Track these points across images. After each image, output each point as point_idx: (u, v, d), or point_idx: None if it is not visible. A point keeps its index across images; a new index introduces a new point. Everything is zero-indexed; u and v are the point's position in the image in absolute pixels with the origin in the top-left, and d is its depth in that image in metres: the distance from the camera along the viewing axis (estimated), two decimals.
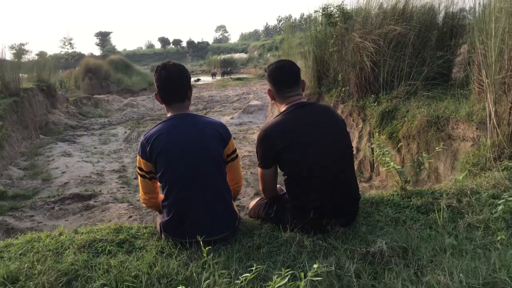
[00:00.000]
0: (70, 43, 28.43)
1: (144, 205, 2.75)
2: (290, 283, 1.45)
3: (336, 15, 7.65)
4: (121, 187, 7.41)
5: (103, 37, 64.85)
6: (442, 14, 6.77)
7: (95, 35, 64.22)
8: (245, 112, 13.53)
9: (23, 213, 6.11)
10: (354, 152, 7.21)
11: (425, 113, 5.35)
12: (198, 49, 66.14)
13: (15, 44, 17.86)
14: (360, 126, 6.95)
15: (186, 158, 2.42)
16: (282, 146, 2.54)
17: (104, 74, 24.04)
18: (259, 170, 2.72)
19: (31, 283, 1.98)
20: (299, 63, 9.46)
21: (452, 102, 5.27)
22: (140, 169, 2.55)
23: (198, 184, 2.43)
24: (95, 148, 10.73)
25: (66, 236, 2.50)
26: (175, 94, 2.55)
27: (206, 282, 1.60)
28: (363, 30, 6.94)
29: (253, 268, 1.57)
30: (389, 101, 6.25)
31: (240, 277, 1.59)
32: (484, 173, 3.31)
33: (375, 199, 3.03)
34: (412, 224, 2.56)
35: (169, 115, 2.57)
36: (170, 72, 2.51)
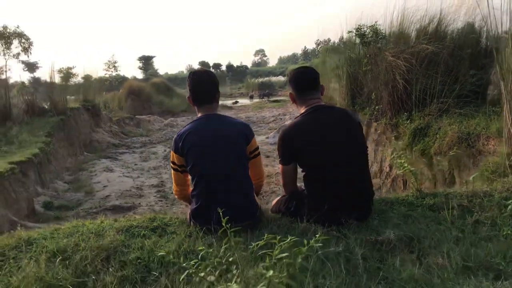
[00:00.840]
0: (114, 66, 29.74)
1: (176, 197, 3.07)
2: (295, 249, 1.64)
3: (369, 35, 7.84)
4: (159, 200, 7.75)
5: (146, 61, 67.11)
6: (477, 34, 6.85)
7: (138, 59, 66.62)
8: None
9: (67, 223, 6.52)
10: (387, 169, 7.29)
11: (456, 129, 5.42)
12: (237, 73, 67.46)
13: (63, 68, 18.96)
14: (393, 143, 7.04)
15: (212, 154, 2.71)
16: (299, 145, 2.78)
17: (146, 96, 24.96)
18: (280, 166, 2.97)
19: (77, 256, 2.30)
20: (333, 84, 9.67)
21: (484, 119, 5.32)
22: (173, 163, 2.86)
23: (222, 176, 2.71)
24: (136, 164, 11.20)
25: (106, 223, 2.83)
26: (204, 96, 2.86)
27: (225, 248, 1.82)
28: (396, 49, 7.10)
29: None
30: (422, 119, 6.33)
31: (252, 243, 1.83)
32: (501, 179, 3.40)
33: (390, 199, 3.19)
34: (422, 220, 2.71)
35: (199, 115, 2.88)
36: (201, 77, 2.85)
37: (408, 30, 7.41)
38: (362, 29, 7.94)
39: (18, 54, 13.46)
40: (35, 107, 11.74)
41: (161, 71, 65.17)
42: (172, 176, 2.97)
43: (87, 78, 17.41)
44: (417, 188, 3.32)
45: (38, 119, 11.18)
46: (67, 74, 18.30)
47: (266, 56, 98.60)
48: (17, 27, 13.23)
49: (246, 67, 74.00)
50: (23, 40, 13.28)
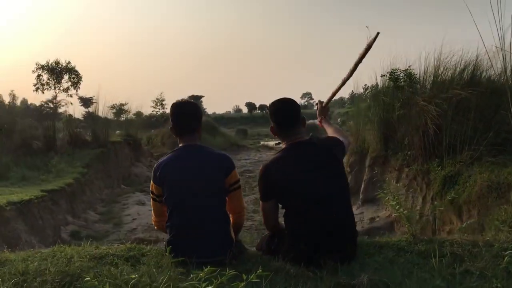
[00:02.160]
0: (161, 104, 30.68)
1: (155, 227, 3.04)
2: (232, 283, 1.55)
3: (403, 80, 7.72)
4: None
5: (195, 101, 68.98)
6: None
7: (187, 99, 68.66)
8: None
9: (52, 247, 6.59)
10: (417, 217, 6.98)
11: (486, 178, 5.16)
12: None
13: (115, 104, 19.83)
14: (424, 190, 6.78)
15: (187, 185, 2.68)
16: (279, 181, 2.70)
17: None
18: (260, 203, 2.88)
19: (38, 279, 2.31)
20: (367, 126, 9.51)
21: None
22: (152, 192, 2.85)
23: (196, 209, 2.66)
24: None
25: (86, 249, 2.83)
26: (185, 127, 2.86)
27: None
28: (428, 94, 6.95)
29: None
30: (453, 166, 6.09)
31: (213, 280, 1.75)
32: (508, 229, 3.15)
33: (380, 243, 3.01)
34: (408, 266, 2.53)
35: (180, 145, 2.86)
36: (182, 108, 2.86)
37: (442, 75, 7.25)
38: (395, 73, 7.82)
39: (68, 88, 14.21)
40: (78, 139, 12.24)
41: (209, 111, 66.75)
42: (152, 207, 2.95)
43: (138, 114, 18.11)
44: (412, 233, 3.13)
45: (80, 151, 11.60)
46: (119, 110, 19.08)
47: (313, 99, 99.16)
48: (68, 63, 14.00)
49: None
50: (72, 75, 14.04)
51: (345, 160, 11.66)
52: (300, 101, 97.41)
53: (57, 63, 14.41)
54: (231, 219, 2.94)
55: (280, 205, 2.84)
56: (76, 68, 14.58)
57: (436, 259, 2.58)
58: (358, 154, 9.73)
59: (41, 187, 7.74)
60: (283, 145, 2.91)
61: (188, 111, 2.89)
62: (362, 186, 9.12)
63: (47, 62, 14.35)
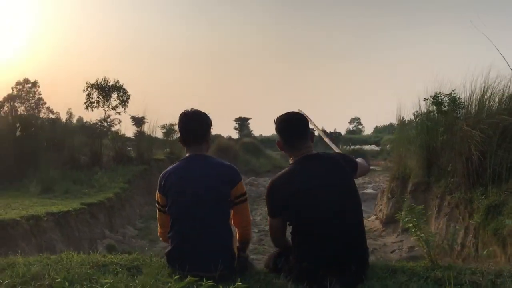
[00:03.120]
0: None
1: (161, 239, 2.99)
2: None
3: (447, 104, 7.45)
4: None
5: (242, 122, 69.57)
6: None
7: (234, 120, 69.33)
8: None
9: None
10: (458, 248, 6.61)
11: None
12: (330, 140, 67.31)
13: (166, 124, 20.35)
14: (467, 220, 6.43)
15: (190, 195, 2.62)
16: (287, 197, 2.61)
17: (234, 154, 25.68)
18: (268, 218, 2.78)
19: (34, 283, 2.34)
20: (410, 152, 9.20)
21: None
22: (157, 202, 2.82)
23: (198, 220, 2.59)
24: None
25: (92, 257, 2.83)
26: (192, 137, 2.82)
27: None
28: (473, 119, 6.66)
29: None
30: (497, 195, 5.75)
31: None
32: None
33: (394, 266, 2.82)
34: None
35: (186, 155, 2.82)
36: (189, 118, 2.82)
37: (489, 100, 6.94)
38: (439, 97, 7.56)
39: (116, 106, 14.71)
40: (123, 156, 12.59)
41: (256, 133, 66.84)
42: (157, 217, 2.91)
43: None
44: (431, 258, 2.92)
45: (123, 167, 11.91)
46: (169, 129, 19.54)
47: (361, 124, 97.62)
48: (117, 82, 14.57)
49: (339, 133, 73.73)
50: (121, 94, 14.53)
51: (386, 185, 11.32)
52: (348, 126, 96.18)
53: (106, 81, 14.96)
54: (237, 232, 2.87)
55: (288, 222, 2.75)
56: (124, 86, 15.12)
57: (450, 287, 2.38)
58: (400, 180, 9.41)
59: (82, 200, 7.96)
60: (290, 161, 2.82)
61: (195, 121, 2.85)
62: (403, 214, 8.77)
63: (97, 81, 14.94)
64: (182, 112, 2.88)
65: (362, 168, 2.92)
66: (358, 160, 2.92)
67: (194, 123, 2.84)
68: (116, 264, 2.78)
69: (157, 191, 2.82)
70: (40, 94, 47.86)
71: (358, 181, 18.45)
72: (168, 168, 2.84)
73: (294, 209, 2.61)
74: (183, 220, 2.66)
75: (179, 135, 2.95)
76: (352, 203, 2.63)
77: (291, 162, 2.80)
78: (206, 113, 2.91)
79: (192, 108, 2.90)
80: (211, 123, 2.97)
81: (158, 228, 2.97)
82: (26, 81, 46.65)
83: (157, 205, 2.87)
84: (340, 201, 2.57)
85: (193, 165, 2.76)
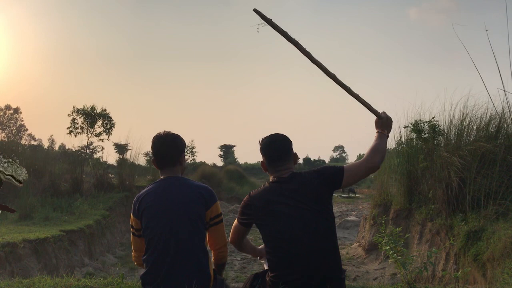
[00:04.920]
0: (192, 152, 31.08)
1: (135, 263, 2.94)
2: None
3: (427, 131, 7.57)
4: None
5: (227, 150, 69.66)
6: None
7: (219, 148, 69.37)
8: (340, 227, 13.23)
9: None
10: (439, 274, 6.62)
11: (511, 235, 4.90)
12: (313, 167, 67.62)
13: (149, 151, 20.26)
14: (447, 246, 6.46)
15: (164, 217, 2.60)
16: (260, 213, 2.63)
17: (218, 181, 25.56)
18: (235, 221, 2.84)
19: None
20: (391, 180, 9.27)
21: None
22: (132, 226, 2.77)
23: (172, 243, 2.56)
24: None
25: (65, 281, 2.77)
26: (165, 159, 2.80)
27: None
28: (452, 145, 6.78)
29: None
30: (477, 221, 5.82)
31: None
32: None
33: None
34: None
35: (160, 177, 2.81)
36: (162, 140, 2.81)
37: (468, 128, 7.09)
38: (419, 124, 7.68)
39: (100, 133, 14.55)
40: (104, 182, 12.44)
41: (241, 160, 66.87)
42: (131, 241, 2.88)
43: None
44: (407, 281, 2.92)
45: (104, 194, 11.75)
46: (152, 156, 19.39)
47: (345, 152, 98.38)
48: (104, 110, 14.46)
49: (323, 161, 74.28)
50: (106, 121, 14.43)
51: (368, 212, 11.36)
52: (332, 153, 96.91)
53: (93, 108, 14.90)
54: (212, 255, 2.85)
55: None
56: (110, 115, 15.07)
57: None
58: (382, 206, 9.46)
59: (61, 227, 7.81)
60: (270, 179, 2.82)
61: (169, 143, 2.83)
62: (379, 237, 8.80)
63: (84, 107, 14.88)
64: (155, 135, 2.87)
65: (355, 168, 2.75)
66: (348, 164, 2.83)
67: (167, 146, 2.83)
68: (90, 287, 2.72)
69: (131, 215, 2.79)
70: (23, 121, 47.46)
71: (341, 208, 18.41)
72: (142, 190, 2.81)
73: (267, 227, 2.62)
74: (157, 242, 2.62)
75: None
76: (321, 221, 2.60)
77: (270, 180, 2.80)
78: (179, 135, 2.91)
79: (165, 131, 2.90)
80: (185, 145, 2.96)
81: (133, 252, 2.93)
82: (8, 107, 46.29)
83: (131, 229, 2.83)
84: (309, 221, 2.55)
85: (168, 187, 2.74)
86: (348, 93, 2.77)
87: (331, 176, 2.69)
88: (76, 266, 7.27)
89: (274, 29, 2.57)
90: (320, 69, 2.66)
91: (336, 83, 2.72)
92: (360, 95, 2.82)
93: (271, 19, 2.56)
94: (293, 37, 2.60)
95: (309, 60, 2.66)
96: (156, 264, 2.60)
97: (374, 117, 2.88)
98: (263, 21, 2.55)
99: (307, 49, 2.64)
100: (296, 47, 2.62)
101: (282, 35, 2.59)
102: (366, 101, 2.82)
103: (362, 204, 25.48)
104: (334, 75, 2.69)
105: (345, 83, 2.75)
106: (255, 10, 2.59)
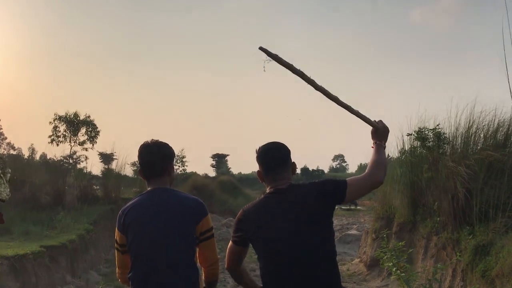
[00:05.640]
0: (182, 161, 30.95)
1: (119, 280, 2.88)
2: None
3: (431, 139, 7.59)
4: None
5: (220, 159, 69.61)
6: None
7: (211, 157, 69.30)
8: (341, 242, 13.20)
9: None
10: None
11: None
12: (312, 177, 67.67)
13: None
14: (454, 262, 6.45)
15: (151, 232, 2.54)
16: (254, 230, 2.54)
17: (210, 193, 25.45)
18: (230, 242, 2.75)
19: None
20: (394, 191, 9.28)
21: None
22: (116, 241, 2.71)
23: (160, 259, 2.50)
24: None
25: None
26: (153, 170, 2.75)
27: None
28: (458, 154, 6.80)
29: None
30: (485, 235, 5.82)
31: None
32: None
33: None
34: None
35: (148, 189, 2.77)
36: (149, 150, 2.76)
37: (474, 135, 7.12)
38: (423, 132, 7.70)
39: (84, 142, 14.44)
40: (88, 195, 12.39)
41: (235, 170, 66.74)
42: (115, 257, 2.83)
43: None
44: None
45: (88, 207, 11.68)
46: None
47: (345, 162, 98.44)
48: (88, 116, 14.36)
49: (322, 171, 74.27)
50: (90, 129, 14.31)
51: (370, 226, 11.35)
52: (331, 163, 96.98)
53: (76, 115, 14.81)
54: (203, 272, 2.81)
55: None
56: (95, 122, 14.97)
57: None
58: (385, 219, 9.46)
59: (42, 242, 7.75)
60: (267, 190, 2.77)
61: (156, 153, 2.78)
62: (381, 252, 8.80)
63: (66, 114, 14.80)
64: (142, 144, 2.82)
65: (359, 182, 2.67)
66: (350, 178, 2.78)
67: (155, 155, 2.78)
68: None
69: (116, 229, 2.72)
70: (1, 129, 47.28)
71: (342, 221, 18.41)
72: (128, 203, 2.75)
73: (262, 245, 2.56)
74: (144, 259, 2.57)
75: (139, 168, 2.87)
76: (323, 238, 2.56)
77: (266, 192, 2.75)
78: (168, 143, 2.87)
79: (152, 139, 2.86)
80: (174, 154, 2.92)
81: (117, 269, 2.88)
82: None
83: (115, 244, 2.78)
84: (310, 240, 2.50)
85: (155, 200, 2.69)
86: (350, 112, 2.79)
87: (333, 189, 2.63)
88: (57, 284, 7.20)
89: (281, 64, 2.61)
90: (324, 94, 2.70)
91: (340, 105, 2.75)
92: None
93: (276, 55, 2.59)
94: (298, 68, 2.64)
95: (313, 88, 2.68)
96: (142, 282, 2.56)
97: (375, 118, 2.89)
98: (268, 58, 2.59)
99: (311, 78, 2.67)
100: (302, 78, 2.65)
101: (288, 68, 2.63)
102: (365, 115, 2.85)
103: (363, 217, 25.47)
104: (336, 97, 2.71)
105: (347, 103, 2.77)
106: (261, 48, 2.61)
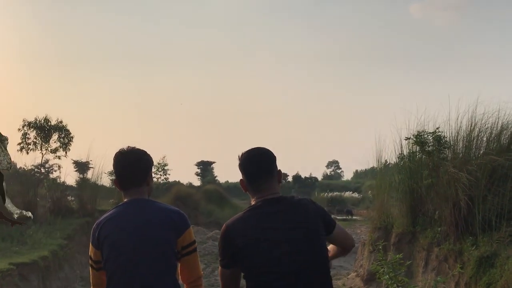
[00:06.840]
0: (163, 170, 30.78)
1: None
2: None
3: (431, 143, 7.66)
4: None
5: (205, 167, 69.32)
6: None
7: (196, 165, 69.03)
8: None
9: None
10: None
11: None
12: (304, 185, 67.64)
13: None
14: (456, 274, 6.51)
15: (128, 247, 2.50)
16: (241, 246, 2.50)
17: (194, 203, 25.40)
18: (219, 268, 2.69)
19: None
20: (392, 199, 9.34)
21: None
22: (90, 258, 2.68)
23: (138, 277, 2.48)
24: None
25: None
26: (129, 180, 2.70)
27: None
28: (459, 159, 6.87)
29: None
30: (489, 245, 5.89)
31: None
32: None
33: None
34: None
35: (124, 200, 2.74)
36: (126, 158, 2.73)
37: (477, 139, 7.19)
38: (422, 136, 7.77)
39: (56, 149, 14.27)
40: (62, 207, 12.32)
41: (221, 179, 66.46)
42: (90, 274, 2.81)
43: None
44: None
45: (62, 220, 11.61)
46: None
47: (340, 168, 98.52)
48: (60, 121, 14.20)
49: (315, 179, 74.29)
50: (62, 135, 14.14)
51: (367, 237, 11.40)
52: (325, 170, 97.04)
53: (46, 120, 14.66)
54: None
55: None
56: (68, 127, 14.82)
57: None
58: (382, 230, 9.50)
59: (11, 259, 7.69)
60: (252, 202, 2.75)
61: (133, 161, 2.75)
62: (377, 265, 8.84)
63: (36, 119, 14.65)
64: (117, 151, 2.78)
65: (342, 234, 2.77)
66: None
67: (131, 164, 2.76)
68: None
69: (90, 244, 2.68)
70: None
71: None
72: (103, 216, 2.71)
73: (250, 262, 2.53)
74: (120, 276, 2.54)
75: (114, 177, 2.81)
76: (311, 256, 2.55)
77: (251, 204, 2.72)
78: (145, 150, 2.85)
79: (128, 146, 2.82)
80: (152, 162, 2.88)
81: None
82: None
83: (89, 261, 2.75)
84: (298, 256, 2.50)
85: (132, 212, 2.65)
86: None
87: (326, 215, 2.70)
88: None
89: None
90: None
91: None
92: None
93: None
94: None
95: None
96: None
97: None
98: None
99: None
100: None
101: None
102: None
103: (360, 227, 25.56)
104: None
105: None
106: None
